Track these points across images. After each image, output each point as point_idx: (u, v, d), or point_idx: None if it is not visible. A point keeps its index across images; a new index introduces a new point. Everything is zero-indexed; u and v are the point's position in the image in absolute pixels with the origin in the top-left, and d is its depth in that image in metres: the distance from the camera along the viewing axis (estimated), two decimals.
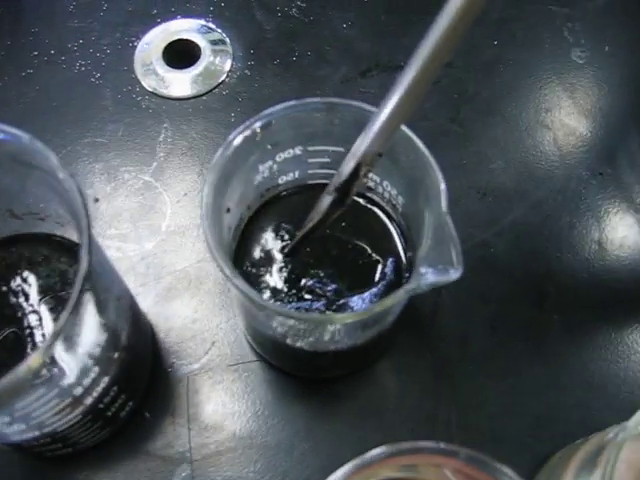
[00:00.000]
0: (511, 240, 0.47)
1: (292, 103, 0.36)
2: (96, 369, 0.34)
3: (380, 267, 0.39)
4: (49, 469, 0.41)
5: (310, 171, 0.40)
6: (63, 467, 0.41)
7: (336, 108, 0.36)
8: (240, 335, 0.44)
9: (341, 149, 0.38)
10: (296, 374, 0.43)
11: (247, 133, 0.35)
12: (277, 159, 0.38)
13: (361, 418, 0.43)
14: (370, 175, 0.40)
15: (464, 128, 0.50)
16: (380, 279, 0.39)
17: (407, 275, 0.39)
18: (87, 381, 0.34)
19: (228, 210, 0.36)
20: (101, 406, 0.37)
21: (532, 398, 0.43)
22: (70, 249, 0.39)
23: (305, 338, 0.36)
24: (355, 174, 0.33)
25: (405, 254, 0.40)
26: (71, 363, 0.32)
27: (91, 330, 0.33)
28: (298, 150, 0.38)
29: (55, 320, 0.38)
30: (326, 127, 0.37)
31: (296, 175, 0.40)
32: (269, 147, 0.37)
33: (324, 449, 0.42)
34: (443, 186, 0.33)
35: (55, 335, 0.28)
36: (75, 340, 0.32)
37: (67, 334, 0.30)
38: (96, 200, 0.48)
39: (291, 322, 0.34)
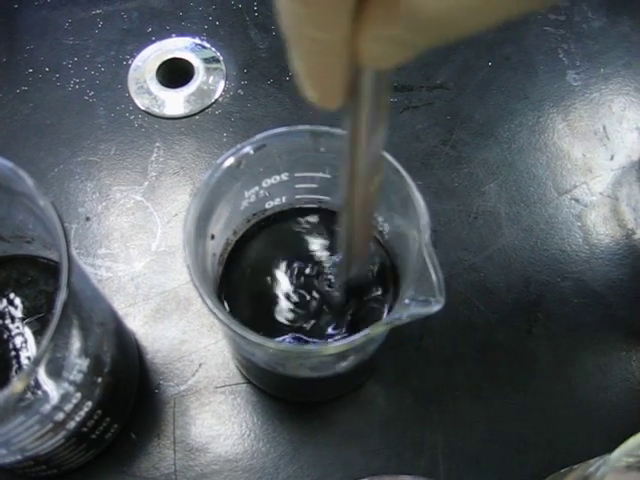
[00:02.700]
0: (501, 264, 0.47)
1: (278, 130, 0.36)
2: (78, 395, 0.34)
3: (369, 293, 0.39)
4: None
5: (298, 196, 0.40)
6: None
7: (322, 136, 0.36)
8: (227, 357, 0.44)
9: (328, 175, 0.38)
10: (282, 397, 0.43)
11: (232, 160, 0.35)
12: (263, 184, 0.38)
13: (346, 442, 0.42)
14: None
15: (456, 150, 0.50)
16: (364, 308, 0.39)
17: (390, 304, 0.39)
18: (69, 407, 0.34)
19: (212, 237, 0.37)
20: (85, 430, 0.37)
21: (519, 424, 0.43)
22: (56, 271, 0.39)
23: (287, 366, 0.36)
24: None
25: (392, 282, 0.40)
26: (52, 389, 0.33)
27: (73, 356, 0.33)
28: (285, 176, 0.38)
29: (39, 343, 0.38)
30: (312, 154, 0.37)
31: (283, 200, 0.40)
32: (255, 173, 0.37)
33: (309, 473, 0.42)
34: (425, 221, 0.33)
35: (35, 362, 0.29)
36: (56, 366, 0.32)
37: (48, 361, 0.30)
38: (87, 219, 0.48)
39: (272, 352, 0.34)
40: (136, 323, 0.45)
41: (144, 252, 0.47)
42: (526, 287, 0.46)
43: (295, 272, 0.39)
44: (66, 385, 0.33)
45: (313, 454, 0.42)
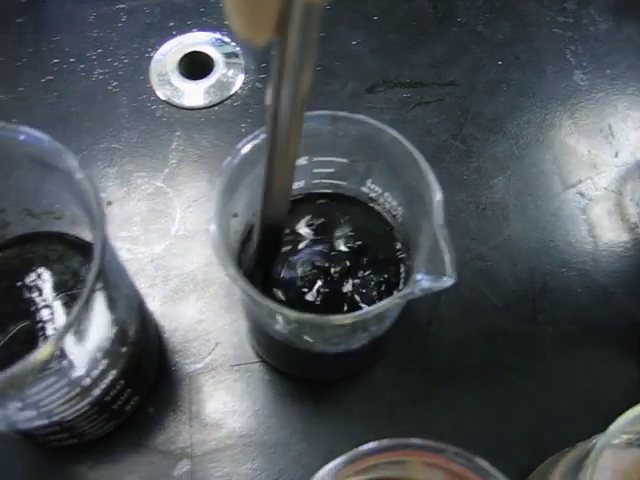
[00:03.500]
0: (508, 254, 0.48)
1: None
2: (105, 362, 0.36)
3: (380, 274, 0.41)
4: (54, 460, 0.43)
5: (315, 181, 0.42)
6: (68, 458, 0.43)
7: (341, 121, 0.37)
8: (243, 337, 0.46)
9: (345, 160, 0.40)
10: (295, 376, 0.45)
11: (256, 142, 0.37)
12: None
13: (356, 421, 0.44)
14: (372, 187, 0.41)
15: (466, 145, 0.52)
16: (380, 285, 0.40)
17: (401, 284, 0.41)
18: (95, 373, 0.36)
19: (235, 215, 0.38)
20: (107, 399, 0.39)
21: (524, 407, 0.44)
22: (83, 248, 0.41)
23: (304, 339, 0.38)
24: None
25: (404, 262, 0.41)
26: (81, 355, 0.34)
27: (101, 324, 0.34)
28: (304, 160, 0.40)
29: (67, 315, 0.39)
30: (331, 139, 0.38)
31: (301, 184, 0.42)
32: None
33: (320, 449, 0.43)
34: (439, 199, 0.35)
35: (67, 327, 0.30)
36: (86, 333, 0.33)
37: (78, 327, 0.32)
38: (109, 203, 0.49)
39: (290, 323, 0.36)
40: (155, 303, 0.46)
41: (164, 235, 0.48)
42: (532, 276, 0.48)
43: (309, 253, 0.41)
44: (95, 352, 0.35)
45: (324, 432, 0.44)
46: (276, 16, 0.22)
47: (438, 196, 0.35)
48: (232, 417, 0.44)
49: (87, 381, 0.36)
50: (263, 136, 0.37)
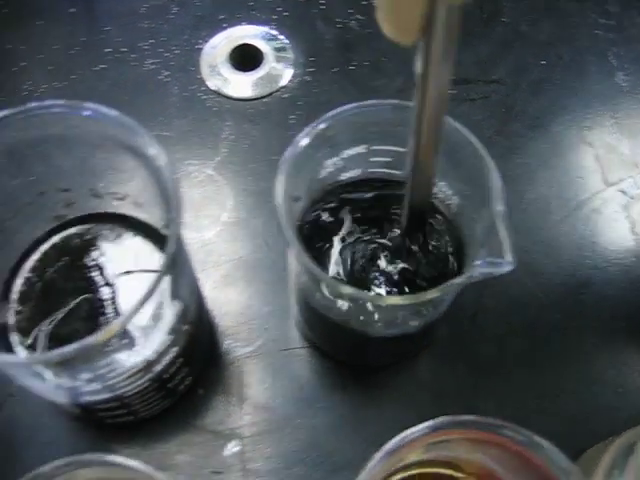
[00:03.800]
0: (551, 249, 0.49)
1: (361, 103, 0.38)
2: (169, 338, 0.37)
3: (435, 261, 0.42)
4: (109, 437, 0.43)
5: (371, 169, 0.43)
6: (122, 436, 0.44)
7: (404, 110, 0.38)
8: (291, 322, 0.47)
9: (403, 149, 0.41)
10: (344, 361, 0.46)
11: (319, 128, 0.38)
12: (343, 155, 0.41)
13: (402, 407, 0.45)
14: None
15: (510, 141, 0.53)
16: (434, 272, 0.41)
17: (455, 269, 0.42)
18: (160, 348, 0.37)
19: (296, 199, 0.39)
20: (166, 376, 0.40)
21: (567, 398, 0.45)
22: (144, 229, 0.42)
23: (360, 321, 0.39)
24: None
25: (458, 250, 0.42)
26: (150, 329, 0.35)
27: (170, 300, 0.35)
28: (362, 148, 0.41)
29: (128, 293, 0.40)
30: (391, 128, 0.39)
31: (358, 172, 0.43)
32: (337, 143, 0.40)
33: (366, 435, 0.44)
34: (499, 186, 0.36)
35: (141, 303, 0.31)
36: (157, 308, 0.34)
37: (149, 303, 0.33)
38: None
39: (346, 303, 0.37)
40: (206, 288, 0.47)
41: (214, 222, 0.49)
42: (574, 271, 0.49)
43: (367, 239, 0.42)
44: (162, 326, 0.36)
45: (370, 417, 0.44)
46: (422, 19, 0.26)
47: (498, 183, 0.36)
48: (280, 400, 0.45)
49: (152, 355, 0.37)
50: (321, 126, 0.38)
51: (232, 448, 0.44)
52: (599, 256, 0.49)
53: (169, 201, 0.33)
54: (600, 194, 0.51)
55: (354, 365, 0.46)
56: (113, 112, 0.35)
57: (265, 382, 0.45)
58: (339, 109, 0.38)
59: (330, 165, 0.41)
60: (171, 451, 0.44)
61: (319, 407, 0.44)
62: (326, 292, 0.38)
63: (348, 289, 0.34)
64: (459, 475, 0.41)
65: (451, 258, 0.42)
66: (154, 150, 0.34)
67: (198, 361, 0.44)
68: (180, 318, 0.37)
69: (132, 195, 0.41)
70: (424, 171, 0.35)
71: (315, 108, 0.53)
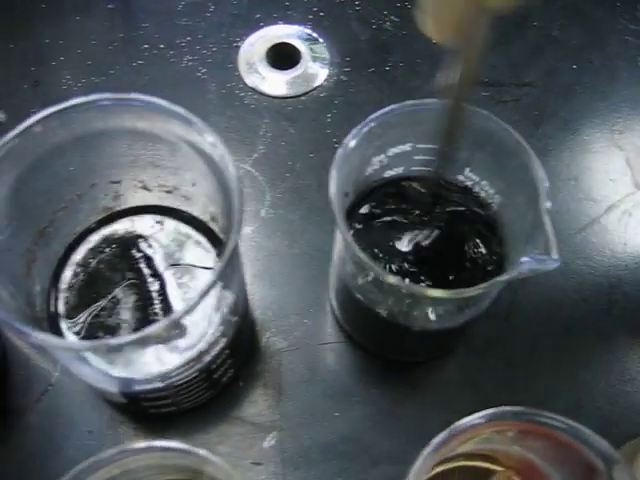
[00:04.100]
0: (582, 250, 0.50)
1: (409, 102, 0.39)
2: (221, 328, 0.38)
3: (476, 259, 0.42)
4: (152, 427, 0.44)
5: (413, 167, 0.44)
6: (164, 426, 0.44)
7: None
8: (329, 317, 0.47)
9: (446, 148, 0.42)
10: (382, 355, 0.46)
11: (369, 126, 0.38)
12: (389, 153, 0.42)
13: (438, 402, 0.45)
14: (470, 175, 0.43)
15: (542, 143, 0.54)
16: (474, 271, 0.42)
17: (494, 267, 0.43)
18: (211, 338, 0.37)
19: (345, 194, 0.40)
20: (213, 367, 0.40)
21: (599, 396, 0.46)
22: (191, 222, 0.43)
23: (402, 313, 0.39)
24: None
25: (498, 248, 0.43)
26: (205, 320, 0.36)
27: (223, 292, 0.36)
28: (407, 146, 0.42)
29: (175, 284, 0.41)
30: (435, 127, 0.40)
31: (400, 170, 0.44)
32: (385, 141, 0.40)
33: (404, 429, 0.44)
34: (547, 185, 0.36)
35: (204, 292, 0.31)
36: (216, 299, 0.35)
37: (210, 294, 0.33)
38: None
39: (390, 296, 0.37)
40: (246, 281, 0.48)
41: (253, 217, 0.50)
42: (607, 271, 0.50)
43: (411, 235, 0.42)
44: (215, 317, 0.36)
45: (407, 411, 0.45)
46: (459, 21, 0.29)
47: (546, 182, 0.37)
48: (318, 393, 0.45)
49: (203, 346, 0.37)
50: (371, 124, 0.39)
51: (271, 440, 0.44)
52: (630, 257, 0.50)
53: (231, 201, 0.33)
54: (631, 196, 0.52)
55: (391, 360, 0.47)
56: (173, 106, 0.36)
57: (303, 375, 0.46)
58: (387, 108, 0.39)
59: (376, 162, 0.42)
60: (211, 442, 0.44)
61: (356, 401, 0.45)
62: (371, 283, 0.39)
63: (397, 279, 0.35)
64: (497, 468, 0.42)
65: (493, 256, 0.43)
66: (211, 138, 0.34)
67: (241, 353, 0.44)
68: (231, 309, 0.38)
69: (182, 189, 0.42)
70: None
71: (352, 107, 0.54)
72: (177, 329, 0.36)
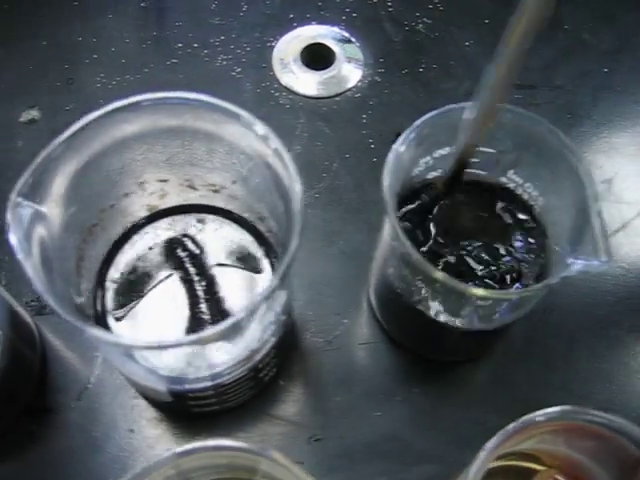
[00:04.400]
0: (620, 250, 0.51)
1: (454, 106, 0.40)
2: (272, 327, 0.38)
3: (519, 260, 0.43)
4: (195, 425, 0.44)
5: None
6: (202, 425, 0.44)
7: (499, 111, 0.39)
8: (368, 317, 0.47)
9: (492, 150, 0.42)
10: (421, 354, 0.46)
11: (420, 128, 0.39)
12: (435, 155, 0.42)
13: (478, 402, 0.46)
14: (513, 177, 0.43)
15: (575, 144, 0.54)
16: (515, 272, 0.42)
17: (537, 269, 0.43)
18: (264, 337, 0.38)
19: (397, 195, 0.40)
20: (260, 366, 0.40)
21: (635, 395, 0.46)
22: (237, 221, 0.43)
23: (448, 311, 0.40)
24: (461, 166, 0.39)
25: (541, 249, 0.43)
26: (260, 318, 0.36)
27: (281, 291, 0.36)
28: (454, 148, 0.42)
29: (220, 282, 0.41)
30: None
31: (439, 173, 0.44)
32: (432, 143, 0.41)
33: (445, 426, 0.45)
34: (595, 188, 0.37)
35: (267, 295, 0.31)
36: (271, 298, 0.35)
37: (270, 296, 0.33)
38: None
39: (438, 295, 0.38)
40: None
41: None
42: None
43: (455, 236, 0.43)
44: (269, 316, 0.37)
45: (447, 411, 0.45)
46: None
47: (595, 185, 0.37)
48: (359, 393, 0.45)
49: (256, 345, 0.38)
50: (421, 126, 0.39)
51: (311, 438, 0.44)
52: None
53: (289, 199, 0.34)
54: None
55: (430, 359, 0.47)
56: (231, 106, 0.36)
57: (343, 375, 0.46)
58: (437, 111, 0.39)
59: (422, 164, 0.42)
60: (253, 441, 0.43)
61: (397, 400, 0.45)
62: (419, 281, 0.39)
63: (447, 277, 0.35)
64: (539, 467, 0.42)
65: (536, 258, 0.43)
66: (261, 130, 0.35)
67: (285, 352, 0.45)
68: (283, 309, 0.38)
69: (228, 187, 0.42)
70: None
71: (386, 108, 0.54)
72: (236, 330, 0.36)
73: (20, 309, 0.45)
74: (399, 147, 0.38)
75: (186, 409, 0.43)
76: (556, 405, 0.46)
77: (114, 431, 0.44)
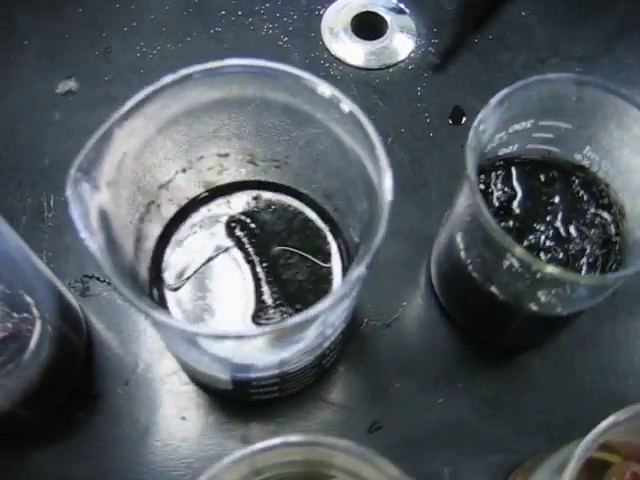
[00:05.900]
0: None
1: (542, 77, 0.37)
2: (345, 313, 0.36)
3: (592, 245, 0.41)
4: (251, 413, 0.42)
5: (529, 146, 0.42)
6: (257, 412, 0.43)
7: (586, 85, 0.37)
8: (429, 299, 0.45)
9: (569, 126, 0.40)
10: (483, 338, 0.44)
11: (499, 99, 0.36)
12: (509, 130, 0.40)
13: (543, 389, 0.44)
14: (590, 154, 0.41)
15: None
16: (593, 258, 0.40)
17: (613, 253, 0.41)
18: (337, 322, 0.36)
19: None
20: (327, 352, 0.38)
21: None
22: (301, 199, 0.41)
23: (517, 291, 0.38)
24: None
25: (613, 233, 0.41)
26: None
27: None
28: (529, 123, 0.40)
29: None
30: (567, 103, 0.38)
31: (514, 148, 0.42)
32: (508, 117, 0.38)
33: (510, 414, 0.43)
34: None
35: (352, 285, 0.29)
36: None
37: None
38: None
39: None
40: None
41: None
42: None
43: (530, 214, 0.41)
44: (346, 302, 0.34)
45: (512, 398, 0.44)
46: None
47: None
48: (420, 379, 0.44)
49: (329, 331, 0.36)
50: (512, 92, 0.36)
51: (373, 426, 0.43)
52: None
53: (378, 177, 0.32)
54: None
55: (492, 345, 0.45)
56: (318, 80, 0.33)
57: (404, 360, 0.44)
58: (518, 83, 0.37)
59: (497, 139, 0.40)
60: (312, 429, 0.43)
61: (460, 387, 0.44)
62: (490, 260, 0.37)
63: (528, 255, 0.33)
64: (614, 459, 0.40)
65: (611, 240, 0.41)
66: (346, 107, 0.32)
67: (346, 337, 0.43)
68: (358, 293, 0.36)
69: (292, 164, 0.39)
70: None
71: (441, 80, 0.52)
72: (316, 319, 0.34)
73: (65, 291, 0.43)
74: (487, 112, 0.36)
75: (245, 397, 0.41)
76: (624, 394, 0.44)
77: (163, 418, 0.43)
